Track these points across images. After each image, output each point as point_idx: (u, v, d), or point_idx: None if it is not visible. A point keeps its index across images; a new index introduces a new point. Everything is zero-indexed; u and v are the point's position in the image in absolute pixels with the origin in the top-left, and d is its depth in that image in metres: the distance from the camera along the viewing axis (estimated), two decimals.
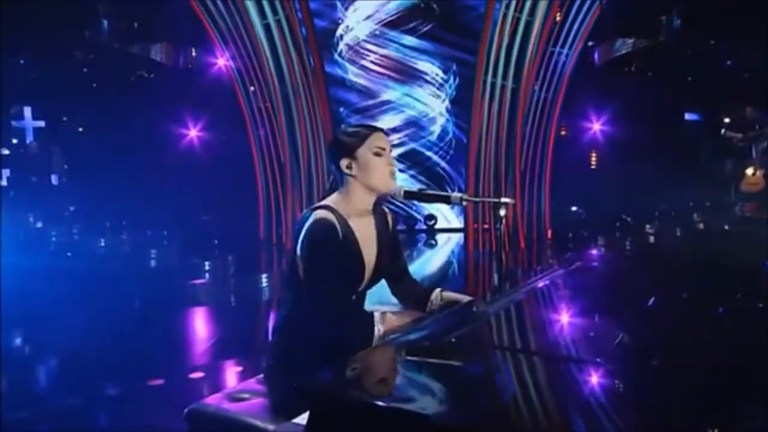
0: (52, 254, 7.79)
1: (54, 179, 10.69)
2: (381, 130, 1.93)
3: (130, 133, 10.20)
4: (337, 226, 1.80)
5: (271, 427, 1.68)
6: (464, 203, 1.88)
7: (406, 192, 1.91)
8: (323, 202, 1.89)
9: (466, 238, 9.15)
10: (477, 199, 1.94)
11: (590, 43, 10.09)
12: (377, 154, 1.87)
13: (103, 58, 11.32)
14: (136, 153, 9.90)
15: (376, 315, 1.76)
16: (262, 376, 2.00)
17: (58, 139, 10.69)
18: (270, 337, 1.97)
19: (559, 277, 2.01)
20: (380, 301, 2.10)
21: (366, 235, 1.90)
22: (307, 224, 1.80)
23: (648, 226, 8.56)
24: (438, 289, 2.02)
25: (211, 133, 11.92)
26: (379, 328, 1.73)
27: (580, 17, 8.89)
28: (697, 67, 10.07)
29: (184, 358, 3.99)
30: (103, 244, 8.48)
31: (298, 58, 9.04)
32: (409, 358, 1.48)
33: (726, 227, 8.22)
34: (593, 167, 10.91)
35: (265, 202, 9.55)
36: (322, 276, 1.77)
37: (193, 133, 12.04)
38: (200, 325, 5.20)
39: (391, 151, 1.91)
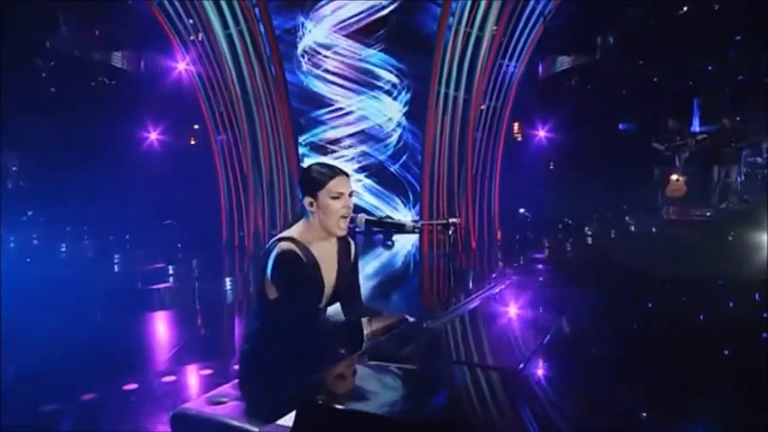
0: (11, 261, 7.53)
1: (9, 184, 10.29)
2: (343, 173, 2.08)
3: (91, 137, 9.93)
4: (300, 254, 1.99)
5: (251, 428, 1.81)
6: (417, 231, 2.09)
7: (367, 221, 2.09)
8: (287, 233, 2.07)
9: (421, 239, 9.39)
10: (430, 222, 2.11)
11: (535, 58, 10.53)
12: (335, 198, 2.03)
13: (63, 63, 10.96)
14: (97, 157, 9.66)
15: (364, 321, 1.95)
16: (236, 381, 2.13)
17: (17, 145, 10.28)
18: (242, 346, 2.11)
19: (493, 295, 2.24)
20: None
21: (326, 259, 2.09)
22: (273, 255, 1.98)
23: (587, 228, 9.03)
24: (365, 319, 2.14)
25: (171, 137, 11.74)
26: (366, 329, 1.92)
27: (525, 33, 9.28)
28: (629, 82, 10.66)
29: (152, 363, 4.02)
30: (64, 249, 8.27)
31: (259, 67, 9.04)
32: (375, 363, 1.63)
33: (653, 229, 8.77)
34: (538, 172, 11.37)
35: (227, 206, 9.50)
36: (291, 295, 1.99)
37: (154, 136, 11.82)
38: (167, 328, 5.20)
39: (351, 194, 2.08)
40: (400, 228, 2.12)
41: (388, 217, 2.12)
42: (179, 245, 8.23)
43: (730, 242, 7.72)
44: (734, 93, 10.42)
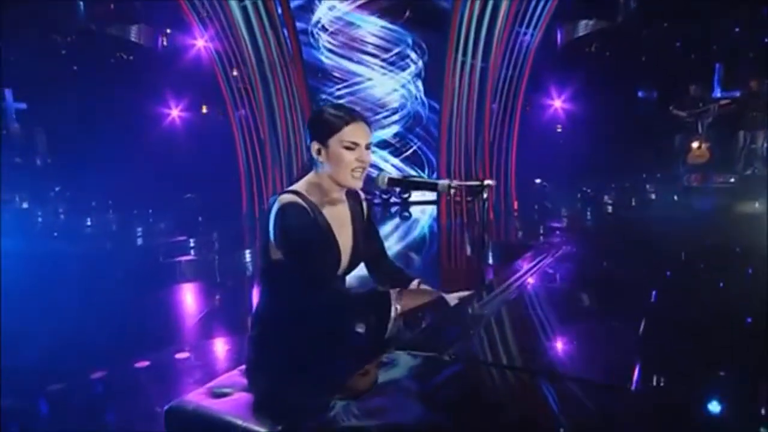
0: (38, 235, 7.36)
1: (38, 160, 10.10)
2: (362, 119, 1.65)
3: (113, 114, 9.64)
4: (306, 207, 1.60)
5: (255, 427, 1.48)
6: (453, 191, 1.67)
7: (390, 179, 1.69)
8: (291, 188, 1.67)
9: (439, 210, 9.00)
10: (465, 184, 1.68)
11: (553, 24, 9.87)
12: (348, 148, 1.62)
13: (82, 40, 10.61)
14: (120, 133, 9.38)
15: (393, 294, 1.54)
16: (243, 367, 1.79)
17: (40, 121, 10.05)
18: (251, 329, 1.72)
19: (547, 266, 1.81)
20: None
21: (339, 220, 1.69)
22: (274, 210, 1.59)
23: (606, 197, 8.53)
24: (417, 281, 1.81)
25: (192, 113, 11.40)
26: (396, 308, 1.53)
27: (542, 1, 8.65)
28: (650, 48, 9.96)
29: (173, 337, 3.75)
30: (89, 223, 8.07)
31: (275, 39, 8.59)
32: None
33: (675, 197, 8.24)
34: (555, 142, 10.82)
35: (247, 178, 9.22)
36: (300, 258, 1.57)
37: (175, 113, 11.50)
38: (187, 301, 4.95)
39: (369, 146, 1.66)
40: (432, 187, 1.69)
41: (412, 176, 1.71)
42: (200, 218, 7.97)
43: (756, 209, 7.18)
44: (761, 56, 9.65)
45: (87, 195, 9.05)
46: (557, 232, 7.03)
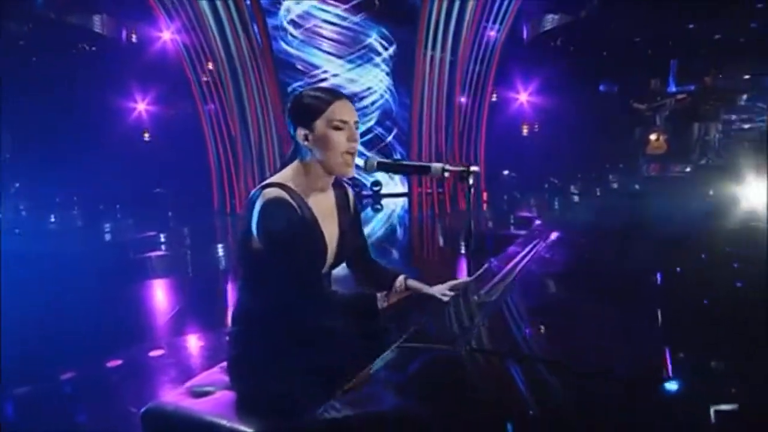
0: None
1: None
2: (345, 97, 1.55)
3: (76, 107, 9.19)
4: (293, 203, 1.48)
5: (241, 427, 1.38)
6: (446, 174, 1.59)
7: (380, 163, 1.60)
8: (274, 179, 1.54)
9: (410, 202, 8.97)
10: (458, 169, 1.60)
11: (519, 19, 9.93)
12: (337, 128, 1.50)
13: (41, 30, 10.03)
14: (83, 127, 8.95)
15: (379, 296, 1.48)
16: (225, 364, 1.68)
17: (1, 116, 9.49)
18: (230, 326, 1.61)
19: (543, 251, 1.77)
20: None
21: (326, 212, 1.58)
22: (258, 204, 1.47)
23: (573, 187, 8.67)
24: (402, 276, 1.72)
25: (159, 107, 10.98)
26: (382, 305, 1.46)
27: None
28: (611, 43, 10.14)
29: (146, 334, 3.57)
30: (53, 220, 7.67)
31: (244, 33, 8.34)
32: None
33: (636, 186, 8.42)
34: (522, 134, 10.92)
35: (217, 172, 8.96)
36: (284, 257, 1.45)
37: (141, 107, 11.06)
38: (160, 297, 4.75)
39: (356, 124, 1.55)
40: (425, 170, 1.60)
41: (402, 160, 1.62)
42: (170, 213, 7.69)
43: (710, 196, 7.41)
44: (712, 52, 9.97)
45: (50, 191, 8.61)
46: (538, 222, 7.08)
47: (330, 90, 1.57)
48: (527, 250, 1.75)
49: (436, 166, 1.58)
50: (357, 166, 1.59)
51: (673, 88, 10.09)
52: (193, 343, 3.35)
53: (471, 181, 1.70)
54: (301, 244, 1.48)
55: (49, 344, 3.15)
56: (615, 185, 8.64)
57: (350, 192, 1.72)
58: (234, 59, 8.39)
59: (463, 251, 6.06)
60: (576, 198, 8.22)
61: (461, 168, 1.66)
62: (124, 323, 3.76)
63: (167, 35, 9.22)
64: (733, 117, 9.65)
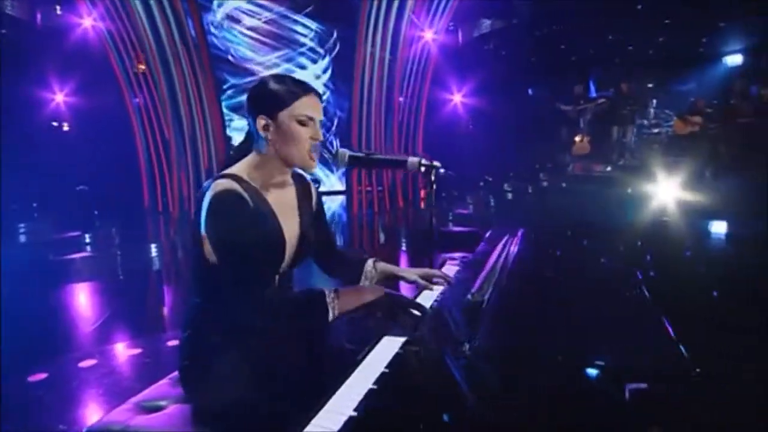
0: None
1: None
2: (314, 91, 1.45)
3: None
4: (246, 196, 1.35)
5: None
6: (422, 168, 1.51)
7: (351, 157, 1.50)
8: (228, 170, 1.41)
9: (350, 200, 8.88)
10: (435, 164, 1.53)
11: (454, 24, 10.13)
12: (302, 123, 1.40)
13: None
14: None
15: (328, 295, 1.36)
16: (176, 374, 1.52)
17: None
18: (182, 332, 1.46)
19: (515, 242, 1.75)
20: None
21: (284, 206, 1.46)
22: (207, 199, 1.33)
23: (506, 185, 8.96)
24: (371, 260, 1.65)
25: (79, 98, 10.10)
26: (333, 308, 1.35)
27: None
28: (540, 49, 10.59)
29: (70, 344, 3.23)
30: None
31: (177, 26, 7.85)
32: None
33: (564, 185, 8.86)
34: (458, 134, 11.15)
35: (148, 169, 8.40)
36: (235, 256, 1.32)
37: (60, 97, 10.13)
38: (85, 302, 4.34)
39: (321, 121, 1.45)
40: (401, 164, 1.52)
41: (375, 153, 1.53)
42: (96, 212, 7.09)
43: (628, 194, 7.93)
44: (626, 62, 10.69)
45: None
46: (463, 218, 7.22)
47: (300, 82, 1.45)
48: (501, 247, 1.73)
49: (413, 160, 1.50)
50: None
51: (593, 94, 10.72)
52: (129, 351, 3.07)
53: (433, 177, 1.65)
54: (253, 241, 1.35)
55: None
56: (545, 183, 9.03)
57: (312, 186, 1.61)
58: (165, 50, 7.88)
59: (405, 248, 6.07)
60: (509, 195, 8.51)
61: (435, 164, 1.59)
62: (46, 332, 3.39)
63: (89, 21, 8.51)
64: (645, 122, 10.39)
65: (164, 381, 1.52)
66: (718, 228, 5.86)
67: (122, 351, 3.07)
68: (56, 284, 4.48)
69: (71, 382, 2.61)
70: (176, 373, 1.51)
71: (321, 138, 1.44)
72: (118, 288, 4.54)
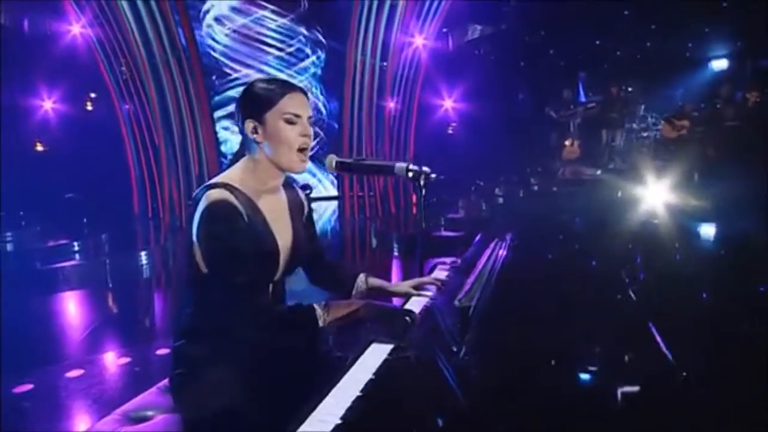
0: None
1: None
2: (299, 89, 1.45)
3: None
4: (239, 206, 1.35)
5: None
6: (410, 174, 1.52)
7: (339, 163, 1.50)
8: (220, 177, 1.40)
9: (342, 206, 8.87)
10: (424, 170, 1.53)
11: (444, 30, 10.18)
12: (289, 122, 1.39)
13: None
14: None
15: (318, 309, 1.35)
16: (165, 383, 1.50)
17: None
18: (174, 341, 1.45)
19: (504, 246, 1.76)
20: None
21: (277, 213, 1.46)
22: (200, 210, 1.33)
23: (497, 189, 8.99)
24: (363, 275, 1.66)
25: (68, 106, 10.02)
26: (324, 320, 1.34)
27: (435, 3, 8.86)
28: (529, 54, 10.70)
29: (58, 354, 3.19)
30: None
31: (166, 31, 7.81)
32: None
33: (554, 189, 8.91)
34: (449, 139, 11.20)
35: (138, 176, 8.33)
36: (229, 267, 1.31)
37: (48, 105, 10.05)
38: (74, 311, 4.29)
39: (310, 118, 1.45)
40: (388, 170, 1.52)
41: (364, 158, 1.53)
42: (84, 220, 7.02)
43: (618, 198, 7.99)
44: (613, 67, 10.83)
45: None
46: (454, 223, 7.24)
47: (283, 81, 1.46)
48: (489, 251, 1.73)
49: (401, 165, 1.51)
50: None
51: (583, 98, 10.83)
52: (118, 361, 3.03)
53: (422, 182, 1.66)
54: (247, 252, 1.34)
55: None
56: (536, 188, 9.07)
57: (302, 194, 1.61)
58: (155, 57, 7.84)
59: (397, 253, 6.07)
60: (500, 200, 8.54)
61: (425, 169, 1.60)
62: (33, 342, 3.34)
63: (77, 28, 8.46)
64: (634, 126, 10.50)
65: (152, 390, 1.51)
66: (707, 230, 5.92)
67: (110, 360, 3.03)
68: (44, 293, 4.43)
69: (58, 393, 2.57)
70: (164, 382, 1.51)
71: (310, 133, 1.44)
72: (107, 296, 4.49)
